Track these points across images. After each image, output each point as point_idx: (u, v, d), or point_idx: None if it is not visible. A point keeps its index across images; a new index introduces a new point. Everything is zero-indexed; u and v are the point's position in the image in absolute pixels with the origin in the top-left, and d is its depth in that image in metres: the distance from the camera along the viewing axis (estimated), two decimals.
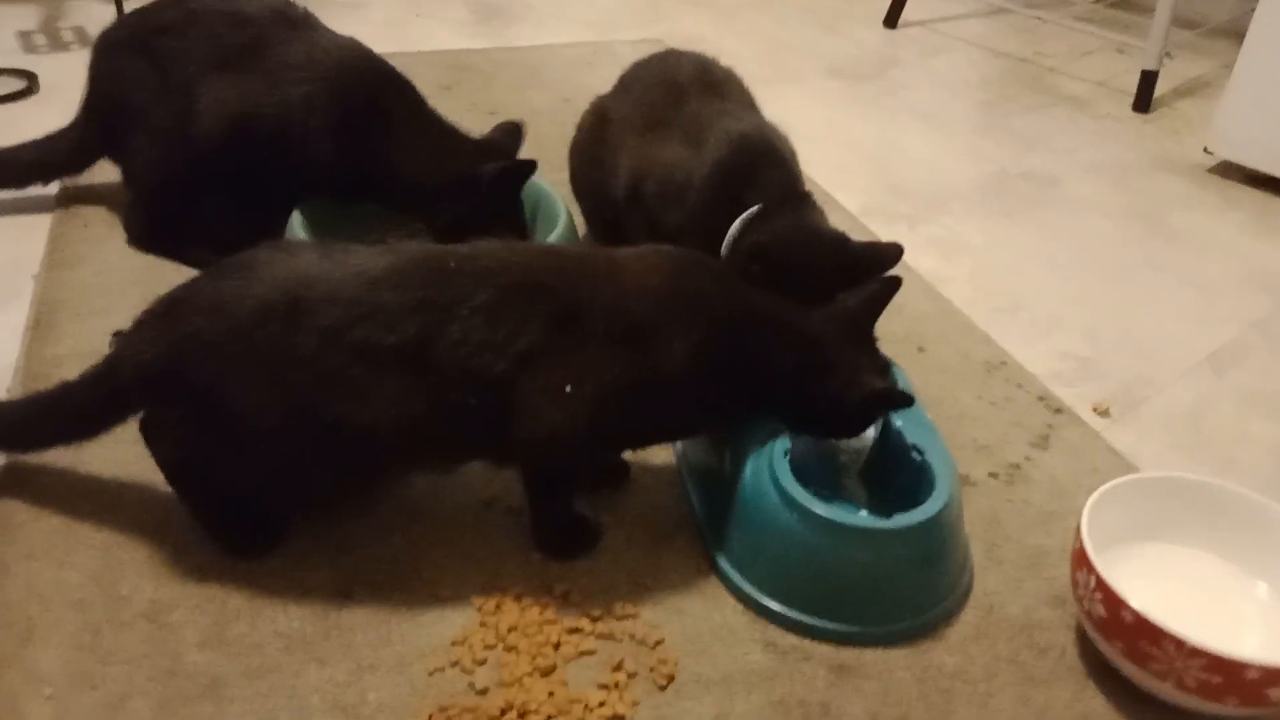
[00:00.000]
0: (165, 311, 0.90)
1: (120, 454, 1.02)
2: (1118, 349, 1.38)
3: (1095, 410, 1.25)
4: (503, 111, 1.50)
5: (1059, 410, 1.24)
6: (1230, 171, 1.88)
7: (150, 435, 0.93)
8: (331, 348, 0.85)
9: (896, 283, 1.00)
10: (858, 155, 1.86)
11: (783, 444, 0.96)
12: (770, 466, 0.93)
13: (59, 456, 1.02)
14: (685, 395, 0.93)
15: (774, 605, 0.93)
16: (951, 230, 1.64)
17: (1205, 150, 1.88)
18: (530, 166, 1.29)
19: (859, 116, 2.03)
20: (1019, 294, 1.49)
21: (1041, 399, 1.25)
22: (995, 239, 1.63)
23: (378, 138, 1.29)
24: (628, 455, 1.08)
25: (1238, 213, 1.76)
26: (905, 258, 1.10)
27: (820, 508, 0.90)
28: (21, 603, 0.90)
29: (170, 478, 0.95)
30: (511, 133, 1.35)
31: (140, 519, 0.98)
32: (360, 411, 0.86)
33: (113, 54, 1.37)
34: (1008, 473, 1.13)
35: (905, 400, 0.95)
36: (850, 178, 1.74)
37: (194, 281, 0.92)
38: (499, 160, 1.28)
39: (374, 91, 1.31)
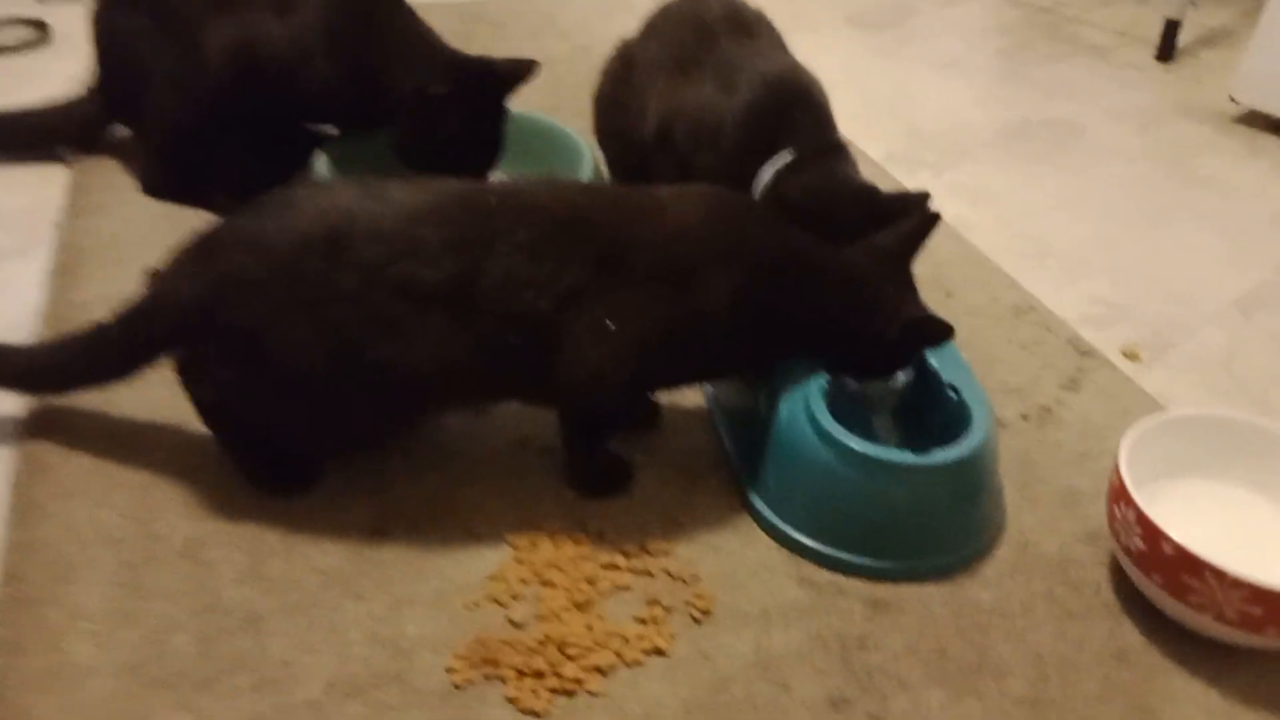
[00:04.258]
0: (203, 248, 0.90)
1: (152, 395, 1.01)
2: (1146, 293, 1.37)
3: (1125, 354, 1.25)
4: None
5: (1088, 353, 1.23)
6: (1256, 120, 1.85)
7: (187, 375, 0.93)
8: (372, 284, 0.85)
9: (934, 219, 0.99)
10: (878, 103, 1.84)
11: (819, 382, 0.95)
12: (806, 404, 0.93)
13: (90, 399, 1.01)
14: (727, 334, 0.92)
15: (809, 542, 0.93)
16: (975, 177, 1.63)
17: (1230, 99, 1.86)
18: (501, 83, 1.25)
19: (878, 65, 2.01)
20: (1046, 239, 1.48)
21: (1071, 342, 1.25)
22: (1020, 185, 1.62)
23: (374, 56, 1.26)
24: (660, 396, 1.07)
25: (1264, 159, 1.74)
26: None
27: (858, 444, 0.89)
28: (58, 541, 0.90)
29: (206, 418, 0.95)
30: (519, 66, 1.27)
31: (174, 459, 0.98)
32: (401, 350, 0.86)
33: (108, 14, 1.36)
34: (1039, 415, 1.13)
35: (945, 329, 0.94)
36: (871, 126, 1.72)
37: (232, 218, 0.91)
38: (480, 74, 1.25)
39: (368, 10, 1.28)
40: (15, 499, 0.93)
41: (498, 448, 1.03)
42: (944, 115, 1.83)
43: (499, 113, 1.27)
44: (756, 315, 0.92)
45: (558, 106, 1.46)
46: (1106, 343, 1.26)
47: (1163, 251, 1.48)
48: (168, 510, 0.93)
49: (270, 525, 0.93)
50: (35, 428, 1.01)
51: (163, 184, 1.38)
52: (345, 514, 0.94)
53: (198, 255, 0.90)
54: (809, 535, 0.93)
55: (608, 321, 0.88)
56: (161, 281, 0.92)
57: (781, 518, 0.94)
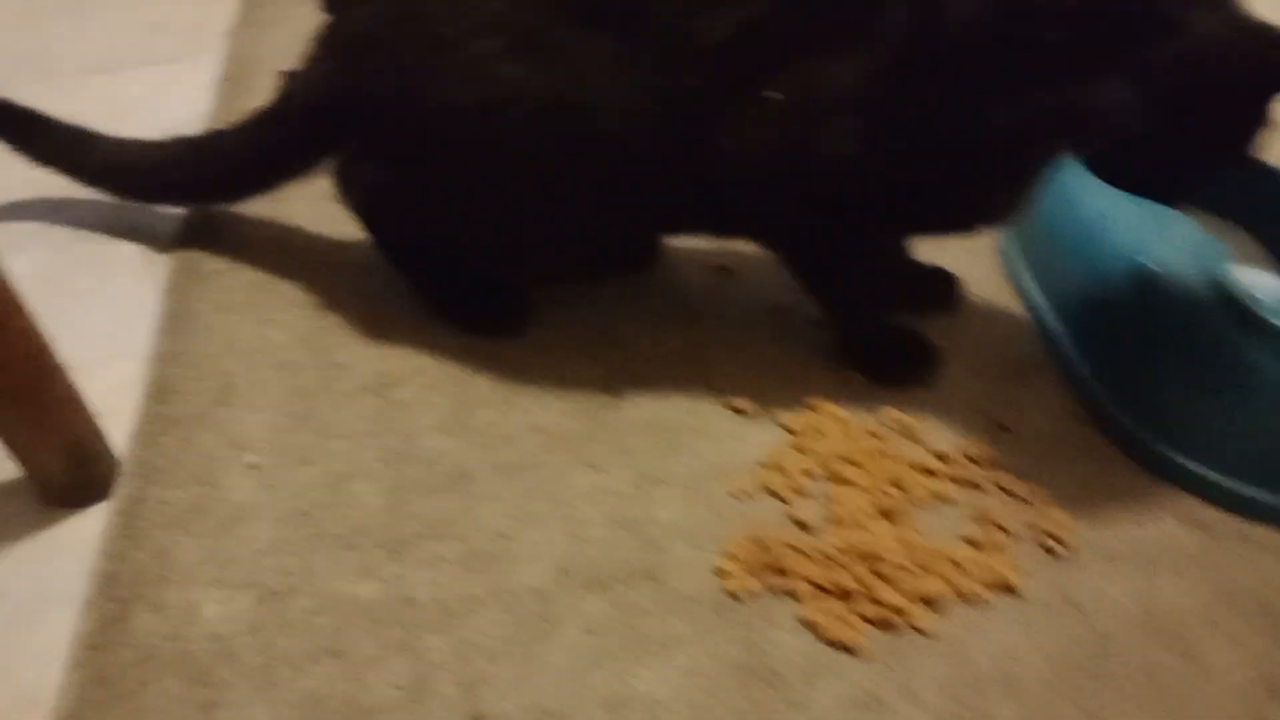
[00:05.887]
0: (333, 23, 0.70)
1: (332, 210, 0.82)
2: None
3: None
4: None
5: None
6: None
7: (341, 182, 0.72)
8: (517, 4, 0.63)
9: None
10: None
11: (1221, 250, 0.70)
12: (1210, 279, 0.67)
13: (257, 207, 0.82)
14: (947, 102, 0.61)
15: (1201, 470, 0.67)
16: None
17: None
18: None
19: None
20: None
21: None
22: None
23: None
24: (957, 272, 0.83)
25: None
26: None
27: None
28: (218, 357, 0.71)
29: (377, 238, 0.75)
30: None
31: (358, 283, 0.78)
32: (565, 90, 0.63)
33: None
34: None
35: None
36: None
37: None
38: None
39: None
40: (169, 306, 0.75)
41: (751, 313, 0.80)
42: None
43: None
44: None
45: None
46: None
47: None
48: (349, 339, 0.74)
49: (477, 370, 0.72)
50: (190, 236, 0.82)
51: None
52: (569, 369, 0.73)
53: (327, 32, 0.71)
54: (1200, 462, 0.68)
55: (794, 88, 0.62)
56: (296, 75, 0.73)
57: (1156, 434, 0.69)
